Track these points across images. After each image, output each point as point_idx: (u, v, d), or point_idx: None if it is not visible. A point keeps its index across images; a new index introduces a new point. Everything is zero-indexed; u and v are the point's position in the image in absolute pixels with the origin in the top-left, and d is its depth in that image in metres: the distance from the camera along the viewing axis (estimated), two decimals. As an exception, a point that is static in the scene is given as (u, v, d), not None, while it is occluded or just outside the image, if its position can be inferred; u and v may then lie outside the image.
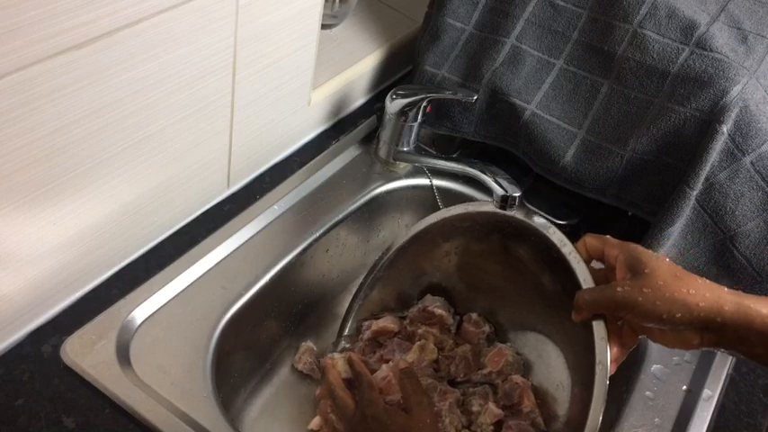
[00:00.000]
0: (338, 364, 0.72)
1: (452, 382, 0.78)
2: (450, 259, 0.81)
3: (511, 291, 0.79)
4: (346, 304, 0.84)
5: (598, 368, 0.58)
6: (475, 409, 0.74)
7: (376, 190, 0.89)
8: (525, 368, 0.79)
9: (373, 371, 0.73)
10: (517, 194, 0.73)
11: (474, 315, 0.82)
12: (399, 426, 0.61)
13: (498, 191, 0.74)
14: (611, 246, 0.61)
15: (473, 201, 0.86)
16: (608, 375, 0.58)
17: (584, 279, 0.62)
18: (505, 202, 0.73)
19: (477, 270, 0.80)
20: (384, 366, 0.73)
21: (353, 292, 0.82)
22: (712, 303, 0.54)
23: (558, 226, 0.71)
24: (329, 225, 0.84)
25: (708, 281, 0.56)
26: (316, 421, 0.74)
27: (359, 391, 0.65)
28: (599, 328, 0.60)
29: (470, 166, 0.81)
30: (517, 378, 0.76)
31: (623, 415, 0.72)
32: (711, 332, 0.55)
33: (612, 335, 0.60)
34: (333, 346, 0.80)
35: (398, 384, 0.67)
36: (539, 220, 0.70)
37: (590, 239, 0.63)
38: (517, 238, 0.74)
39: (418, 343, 0.77)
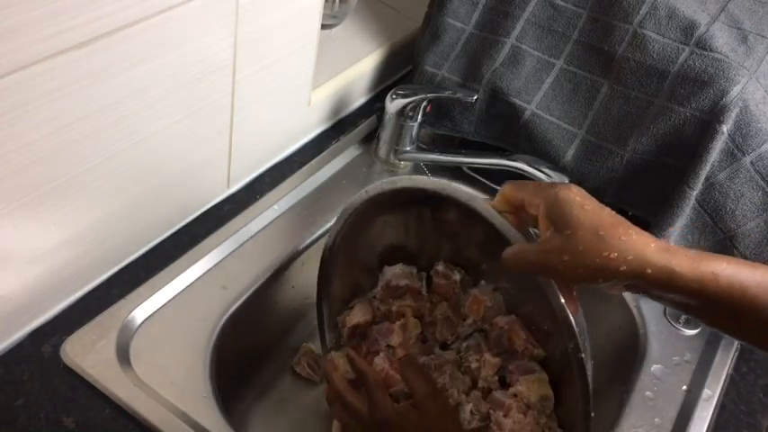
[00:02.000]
0: (339, 364, 0.71)
1: (443, 345, 0.75)
2: (392, 226, 0.76)
3: (465, 237, 0.74)
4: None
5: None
6: (474, 365, 0.71)
7: (376, 190, 0.89)
8: (510, 302, 0.75)
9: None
10: (566, 181, 0.74)
11: (440, 267, 0.77)
12: (413, 425, 0.60)
13: (546, 179, 0.76)
14: (532, 194, 0.56)
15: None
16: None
17: (509, 235, 0.58)
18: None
19: (424, 230, 0.76)
20: (377, 360, 0.71)
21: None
22: (635, 267, 0.50)
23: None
24: (329, 225, 0.83)
25: (635, 233, 0.51)
26: (336, 425, 0.72)
27: (366, 394, 0.64)
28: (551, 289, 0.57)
29: (506, 159, 0.82)
30: (500, 320, 0.72)
31: (623, 415, 0.72)
32: (635, 287, 0.52)
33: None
34: (324, 354, 0.78)
35: (401, 377, 0.66)
36: (461, 191, 0.63)
37: (508, 190, 0.58)
38: (446, 208, 0.70)
39: (398, 323, 0.74)
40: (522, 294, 0.73)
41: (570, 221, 0.52)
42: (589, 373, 0.60)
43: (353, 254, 0.76)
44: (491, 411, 0.68)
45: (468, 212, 0.62)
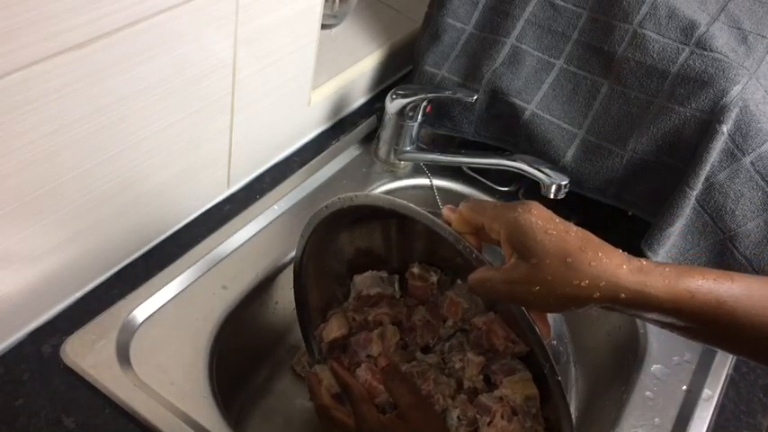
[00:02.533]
0: (324, 377, 0.69)
1: (425, 349, 0.73)
2: (359, 235, 0.74)
3: (434, 239, 0.68)
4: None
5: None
6: (458, 366, 0.70)
7: (376, 190, 0.89)
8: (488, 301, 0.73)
9: None
10: (565, 182, 0.75)
11: (415, 269, 0.74)
12: None
13: (547, 180, 0.76)
14: (491, 218, 0.52)
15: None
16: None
17: (473, 260, 0.55)
18: (556, 189, 0.75)
19: (390, 236, 0.74)
20: (359, 371, 0.69)
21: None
22: (608, 293, 0.48)
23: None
24: (329, 225, 0.83)
25: (605, 256, 0.49)
26: None
27: (351, 406, 0.64)
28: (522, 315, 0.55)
29: (506, 159, 0.82)
30: (478, 321, 0.70)
31: (623, 415, 0.72)
32: (610, 308, 0.50)
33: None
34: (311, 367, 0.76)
35: (385, 388, 0.65)
36: (421, 214, 0.61)
37: (466, 212, 0.55)
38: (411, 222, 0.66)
39: (376, 332, 0.72)
40: None
41: (535, 250, 0.49)
42: (571, 396, 0.59)
43: (323, 265, 0.74)
44: (477, 417, 0.67)
45: (432, 233, 0.60)
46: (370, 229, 0.74)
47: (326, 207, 0.67)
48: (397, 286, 0.75)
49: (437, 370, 0.70)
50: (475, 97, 0.84)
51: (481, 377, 0.69)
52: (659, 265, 0.50)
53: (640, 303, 0.48)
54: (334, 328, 0.73)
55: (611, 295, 0.48)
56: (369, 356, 0.71)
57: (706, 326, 0.49)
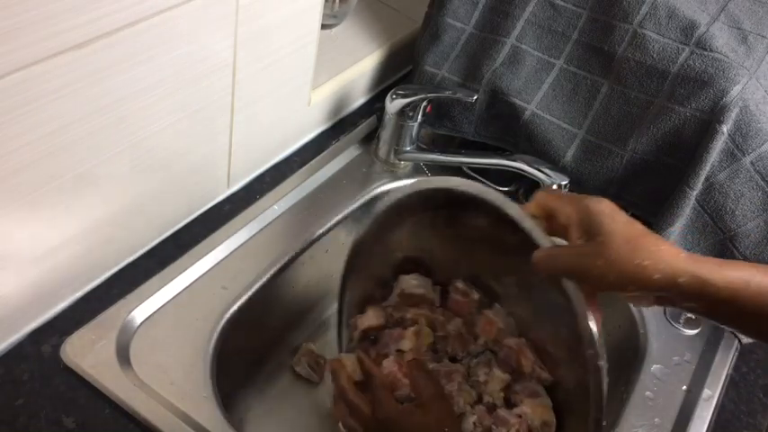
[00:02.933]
0: (347, 365, 0.70)
1: (453, 359, 0.75)
2: (416, 233, 0.76)
3: (485, 252, 0.73)
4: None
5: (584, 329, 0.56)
6: (481, 379, 0.72)
7: (376, 190, 0.89)
8: (521, 326, 0.75)
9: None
10: (565, 182, 0.76)
11: (459, 284, 0.76)
12: (415, 426, 0.60)
13: (547, 180, 0.77)
14: (564, 203, 0.57)
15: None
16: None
17: (539, 238, 0.58)
18: (558, 189, 0.76)
19: (447, 239, 0.75)
20: (385, 362, 0.71)
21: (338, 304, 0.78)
22: (667, 276, 0.51)
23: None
24: (329, 225, 0.84)
25: (665, 245, 0.53)
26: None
27: (371, 393, 0.64)
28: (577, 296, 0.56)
29: (506, 159, 0.82)
30: (510, 341, 0.72)
31: (623, 415, 0.72)
32: (664, 298, 0.53)
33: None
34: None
35: (409, 378, 0.66)
36: (492, 194, 0.64)
37: (541, 197, 0.59)
38: (474, 211, 0.69)
39: (412, 329, 0.74)
40: (534, 320, 0.73)
41: (603, 229, 0.53)
42: (605, 382, 0.59)
43: (370, 262, 0.75)
44: (493, 427, 0.68)
45: (496, 218, 0.62)
46: (422, 237, 0.75)
47: (411, 186, 0.68)
48: (438, 295, 0.77)
49: (463, 376, 0.72)
50: (475, 97, 0.84)
51: (502, 395, 0.70)
52: (711, 258, 0.52)
53: (697, 289, 0.50)
54: (370, 318, 0.75)
55: (670, 278, 0.50)
56: (398, 351, 0.72)
57: (758, 315, 0.51)
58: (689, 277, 0.50)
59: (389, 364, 0.70)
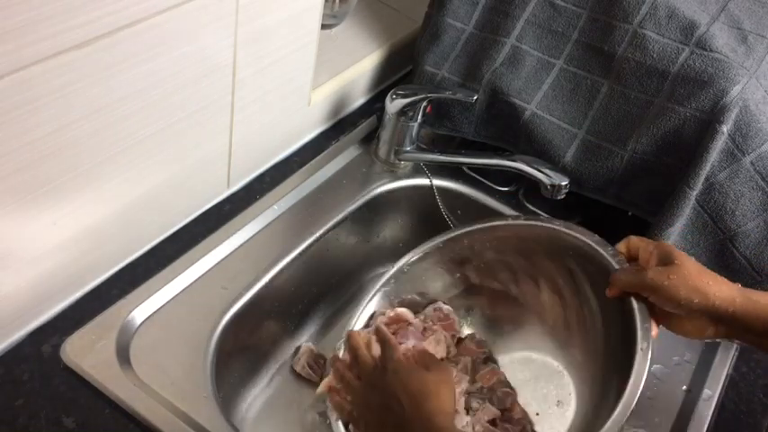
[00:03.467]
0: (362, 334, 0.72)
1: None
2: (479, 272, 0.83)
3: (531, 312, 0.81)
4: (346, 305, 0.84)
5: (640, 350, 0.64)
6: (474, 406, 0.75)
7: (376, 190, 0.89)
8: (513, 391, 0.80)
9: None
10: (565, 182, 0.77)
11: (476, 336, 0.83)
12: (419, 380, 0.62)
13: (546, 180, 0.77)
14: (648, 243, 0.68)
15: (498, 213, 0.90)
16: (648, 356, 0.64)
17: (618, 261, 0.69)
18: (555, 189, 0.76)
19: (498, 285, 0.82)
20: (401, 346, 0.74)
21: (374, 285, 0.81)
22: (726, 296, 0.61)
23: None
24: (329, 225, 0.84)
25: (726, 280, 0.63)
26: (325, 382, 0.73)
27: (382, 352, 0.67)
28: (642, 310, 0.66)
29: (506, 159, 0.83)
30: (508, 389, 0.78)
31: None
32: (723, 323, 0.62)
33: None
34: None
35: (419, 352, 0.69)
36: (591, 237, 0.72)
37: (634, 240, 0.70)
38: (566, 253, 0.76)
39: (433, 336, 0.78)
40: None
41: (680, 257, 0.64)
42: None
43: (435, 270, 0.82)
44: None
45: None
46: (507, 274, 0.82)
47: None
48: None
49: (467, 383, 0.77)
50: (475, 97, 0.84)
51: (488, 425, 0.74)
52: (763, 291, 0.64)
53: (750, 313, 0.60)
54: (406, 312, 0.80)
55: (729, 298, 0.61)
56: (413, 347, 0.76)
57: None
58: (743, 298, 0.61)
59: (405, 348, 0.74)
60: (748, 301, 0.61)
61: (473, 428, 0.74)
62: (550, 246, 0.76)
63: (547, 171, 0.79)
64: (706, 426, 0.72)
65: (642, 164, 0.82)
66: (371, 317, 0.80)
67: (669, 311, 0.64)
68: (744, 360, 0.79)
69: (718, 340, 0.80)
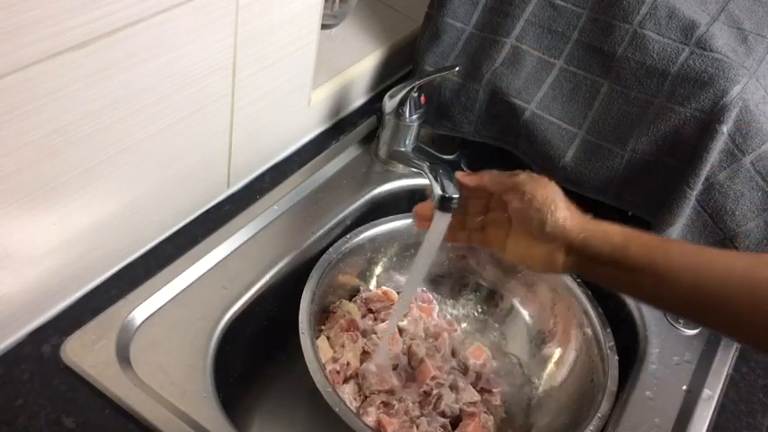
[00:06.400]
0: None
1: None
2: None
3: None
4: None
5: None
6: (460, 384, 0.80)
7: (376, 190, 0.89)
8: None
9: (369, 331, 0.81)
10: (456, 196, 0.67)
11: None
12: None
13: (438, 191, 0.67)
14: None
15: None
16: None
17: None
18: (445, 201, 0.67)
19: None
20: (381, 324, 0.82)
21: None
22: (579, 221, 0.61)
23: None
24: (329, 225, 0.84)
25: (581, 213, 0.63)
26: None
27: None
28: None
29: (426, 163, 0.81)
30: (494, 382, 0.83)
31: (623, 415, 0.72)
32: (573, 252, 0.61)
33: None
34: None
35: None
36: None
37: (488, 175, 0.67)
38: None
39: (415, 316, 0.84)
40: None
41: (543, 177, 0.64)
42: None
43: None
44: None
45: None
46: None
47: None
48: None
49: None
50: (457, 68, 0.86)
51: (458, 407, 0.78)
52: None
53: (599, 239, 0.59)
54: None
55: (579, 226, 0.61)
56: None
57: (643, 272, 0.57)
58: (594, 226, 0.61)
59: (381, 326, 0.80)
60: (598, 228, 0.60)
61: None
62: None
63: (445, 182, 0.69)
64: (706, 426, 0.72)
65: (642, 164, 0.82)
66: (357, 292, 0.85)
67: (521, 231, 0.64)
68: (744, 360, 0.79)
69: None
